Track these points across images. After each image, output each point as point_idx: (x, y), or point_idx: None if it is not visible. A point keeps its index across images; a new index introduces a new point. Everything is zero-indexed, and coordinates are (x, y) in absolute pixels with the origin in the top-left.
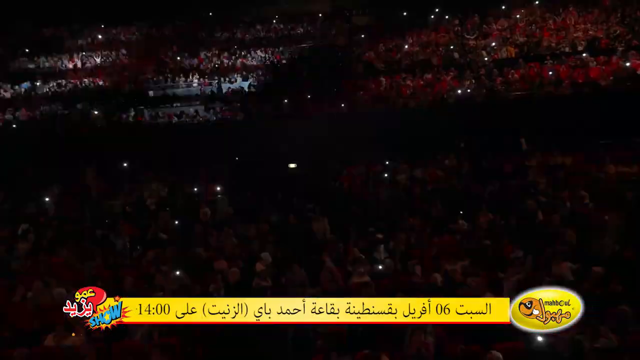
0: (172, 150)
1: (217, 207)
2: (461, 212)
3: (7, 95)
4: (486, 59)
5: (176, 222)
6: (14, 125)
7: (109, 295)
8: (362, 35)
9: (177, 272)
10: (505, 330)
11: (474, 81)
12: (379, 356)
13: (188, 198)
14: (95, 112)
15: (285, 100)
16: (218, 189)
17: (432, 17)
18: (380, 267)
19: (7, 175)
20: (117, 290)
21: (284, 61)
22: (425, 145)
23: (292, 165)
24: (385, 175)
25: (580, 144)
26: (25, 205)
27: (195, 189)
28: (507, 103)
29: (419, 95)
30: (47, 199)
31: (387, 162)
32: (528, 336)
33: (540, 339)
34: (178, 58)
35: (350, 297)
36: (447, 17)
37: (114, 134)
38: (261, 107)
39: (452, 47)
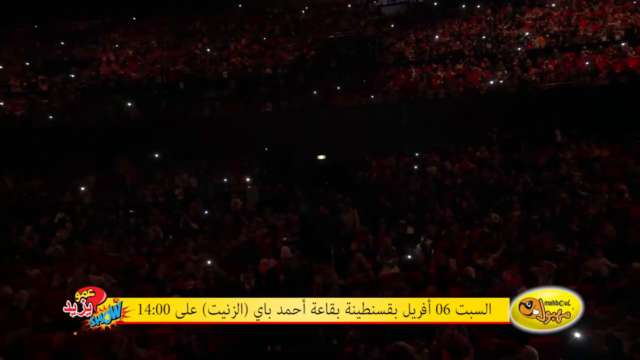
0: (202, 140)
1: (247, 197)
2: (493, 205)
3: (44, 86)
4: (519, 49)
5: (206, 212)
6: (50, 117)
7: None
8: (392, 25)
9: (209, 262)
10: None
11: (506, 72)
12: (408, 349)
13: (218, 188)
14: (128, 104)
15: (315, 92)
16: (248, 179)
17: (464, 6)
18: (410, 258)
19: (44, 165)
20: (151, 277)
21: (312, 52)
22: (456, 136)
23: (321, 157)
24: (415, 166)
25: (618, 136)
26: (61, 194)
27: (225, 179)
28: (540, 94)
29: (450, 86)
30: (82, 188)
31: (417, 154)
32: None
33: (577, 334)
34: (208, 50)
35: (381, 288)
36: (478, 6)
37: (146, 125)
38: (290, 98)
39: (484, 37)
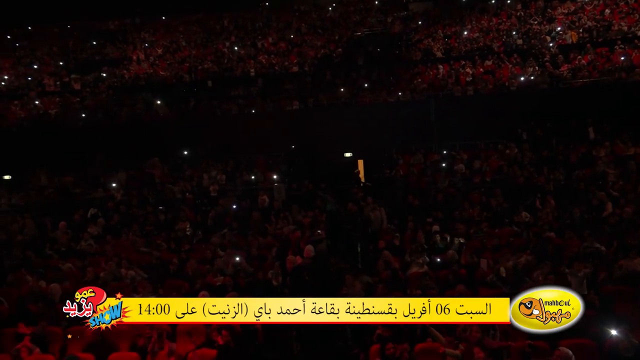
0: (230, 138)
1: (274, 194)
2: (524, 204)
3: (77, 85)
4: (551, 44)
5: (234, 208)
6: (83, 115)
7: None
8: (420, 22)
9: (237, 258)
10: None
11: (537, 68)
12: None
13: (246, 185)
14: (158, 102)
15: (341, 89)
16: (275, 176)
17: (493, 1)
18: (438, 259)
19: (77, 162)
20: (181, 273)
21: (339, 49)
22: (485, 134)
23: (347, 154)
24: (443, 164)
25: None
26: (94, 190)
27: (253, 177)
28: (573, 90)
29: (479, 83)
30: (113, 185)
31: (444, 152)
32: (598, 333)
33: (614, 332)
34: (235, 48)
35: (409, 287)
36: (508, 1)
37: (175, 123)
38: (317, 96)
39: (514, 32)
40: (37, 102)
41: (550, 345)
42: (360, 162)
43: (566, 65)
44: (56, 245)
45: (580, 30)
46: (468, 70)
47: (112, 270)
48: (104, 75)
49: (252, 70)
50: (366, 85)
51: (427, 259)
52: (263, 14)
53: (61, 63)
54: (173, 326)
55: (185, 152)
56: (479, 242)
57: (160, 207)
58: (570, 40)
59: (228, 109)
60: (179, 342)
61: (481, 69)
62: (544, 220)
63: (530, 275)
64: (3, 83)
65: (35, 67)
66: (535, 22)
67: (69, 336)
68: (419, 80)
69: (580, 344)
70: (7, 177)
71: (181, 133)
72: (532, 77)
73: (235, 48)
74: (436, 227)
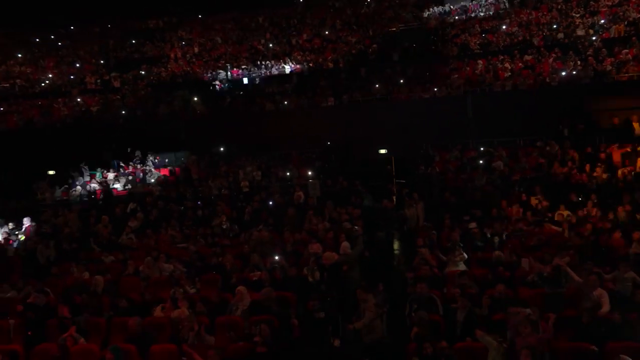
0: (265, 134)
1: (309, 190)
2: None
3: (116, 83)
4: (594, 38)
5: (270, 204)
6: (123, 112)
7: None
8: (456, 17)
9: (277, 257)
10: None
11: (579, 62)
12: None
13: (281, 181)
14: (194, 99)
15: (376, 85)
16: (309, 173)
17: None
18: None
19: (117, 157)
20: (218, 268)
21: (374, 45)
22: (524, 130)
23: (382, 151)
24: (481, 161)
25: None
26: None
27: (288, 173)
28: (617, 85)
29: (518, 78)
30: (152, 180)
31: (482, 148)
32: None
33: None
34: (270, 45)
35: (446, 285)
36: None
37: (211, 119)
38: (352, 92)
39: (555, 26)
40: (79, 100)
41: (597, 347)
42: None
43: (610, 59)
44: (99, 239)
45: (625, 22)
46: (507, 65)
47: (152, 264)
48: (143, 73)
49: (287, 67)
50: (401, 81)
51: (465, 256)
52: (297, 11)
53: (102, 61)
54: (212, 320)
55: (221, 149)
56: (518, 241)
57: (198, 202)
58: (615, 34)
59: (263, 106)
60: (217, 336)
61: (520, 64)
62: (587, 219)
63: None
64: (47, 82)
65: (78, 65)
66: (578, 15)
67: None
68: (456, 75)
69: (628, 346)
70: (51, 172)
71: (217, 129)
72: (574, 72)
73: (270, 45)
74: (474, 225)
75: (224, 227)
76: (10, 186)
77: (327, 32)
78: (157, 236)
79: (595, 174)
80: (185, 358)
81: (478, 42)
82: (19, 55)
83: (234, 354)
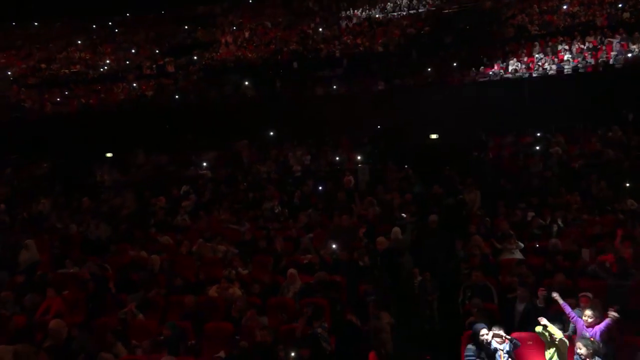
0: (314, 119)
1: (358, 175)
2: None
3: (170, 68)
4: None
5: (320, 189)
6: (177, 96)
7: None
8: None
9: (334, 246)
10: None
11: None
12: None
13: (330, 166)
14: (245, 83)
15: (429, 69)
16: (359, 157)
17: None
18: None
19: (171, 141)
20: (269, 250)
21: (426, 28)
22: (584, 115)
23: (433, 136)
24: (537, 147)
25: None
26: (186, 168)
27: (337, 158)
28: None
29: (579, 61)
30: (204, 163)
31: (538, 134)
32: None
33: None
34: (320, 29)
35: (500, 273)
36: None
37: (262, 104)
38: (403, 76)
39: (620, 5)
40: (135, 85)
41: None
42: None
43: None
44: (154, 219)
45: None
46: (567, 47)
47: (203, 244)
48: (195, 58)
49: (337, 51)
50: (455, 64)
51: (522, 245)
52: None
53: (156, 47)
54: (263, 301)
55: (272, 133)
56: (578, 231)
57: (244, 184)
58: None
59: (313, 90)
60: (269, 317)
61: (582, 46)
62: None
63: (638, 267)
64: (105, 67)
65: (133, 51)
66: None
67: None
68: (512, 58)
69: None
70: (109, 154)
71: (267, 114)
72: None
73: (320, 29)
74: (531, 213)
75: (276, 211)
76: (72, 168)
77: (377, 16)
78: (210, 218)
79: None
80: (240, 337)
81: (536, 23)
82: (79, 42)
83: (285, 334)
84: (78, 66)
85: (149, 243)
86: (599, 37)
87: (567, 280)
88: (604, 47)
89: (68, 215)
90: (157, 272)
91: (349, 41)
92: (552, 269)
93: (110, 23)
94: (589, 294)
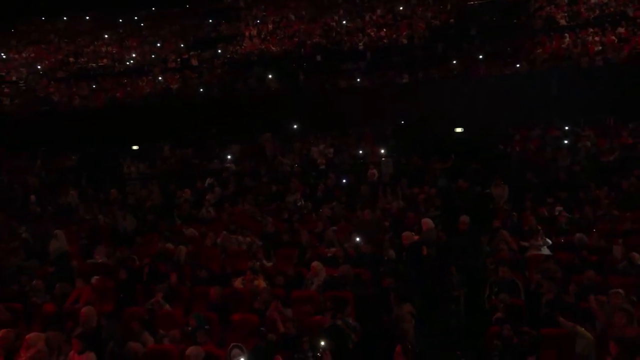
0: (338, 112)
1: (382, 168)
2: None
3: (195, 61)
4: None
5: (343, 182)
6: (201, 90)
7: None
8: None
9: (357, 239)
10: None
11: None
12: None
13: (353, 159)
14: (269, 76)
15: (454, 61)
16: (382, 151)
17: None
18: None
19: (195, 134)
20: (293, 243)
21: (451, 20)
22: (615, 109)
23: (458, 129)
24: (565, 141)
25: None
26: (210, 161)
27: (360, 151)
28: None
29: (610, 52)
30: (228, 156)
31: (566, 127)
32: None
33: None
34: (344, 22)
35: (528, 268)
36: None
37: (286, 97)
38: (427, 69)
39: None
40: (160, 78)
41: None
42: None
43: None
44: (179, 211)
45: None
46: (597, 38)
47: (227, 237)
48: (219, 51)
49: (361, 43)
50: (480, 57)
51: (549, 241)
52: None
53: (181, 42)
54: (288, 292)
55: (295, 126)
56: (608, 226)
57: (267, 177)
58: None
59: (337, 83)
60: (293, 309)
61: (613, 37)
62: None
63: None
64: (132, 61)
65: (159, 45)
66: None
67: None
68: (540, 50)
69: None
70: (135, 147)
71: (291, 107)
72: None
73: (344, 22)
74: (559, 208)
75: (299, 204)
76: (99, 160)
77: (401, 8)
78: (234, 210)
79: None
80: (265, 328)
81: (565, 14)
82: (106, 36)
83: (309, 326)
84: (105, 60)
85: (175, 235)
86: (630, 28)
87: (598, 277)
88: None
89: (96, 206)
90: (183, 263)
91: (372, 34)
92: (581, 265)
93: (136, 17)
94: (621, 291)
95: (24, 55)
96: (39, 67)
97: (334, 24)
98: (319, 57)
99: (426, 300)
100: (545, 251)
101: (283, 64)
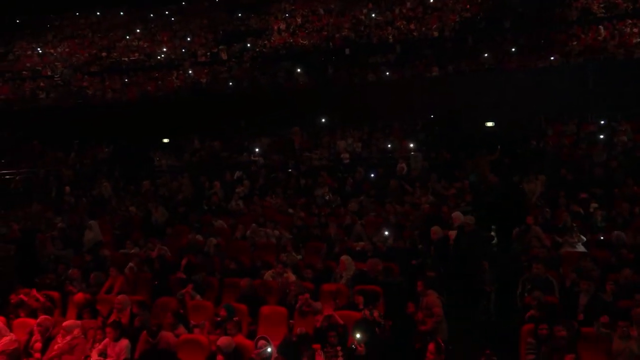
0: (367, 105)
1: (411, 163)
2: None
3: (224, 55)
4: None
5: (372, 176)
6: (230, 83)
7: None
8: None
9: (386, 233)
10: None
11: None
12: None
13: (382, 153)
14: (298, 70)
15: (485, 54)
16: (411, 145)
17: None
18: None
19: (223, 127)
20: (322, 236)
21: (483, 12)
22: None
23: (489, 124)
24: (601, 136)
25: None
26: (239, 154)
27: (389, 145)
28: None
29: None
30: (257, 150)
31: (602, 122)
32: None
33: None
34: (373, 15)
35: (561, 265)
36: None
37: (314, 90)
38: (458, 62)
39: None
40: (190, 72)
41: None
42: None
43: None
44: (210, 203)
45: None
46: (635, 30)
47: (256, 229)
48: (248, 45)
49: (390, 36)
50: (513, 49)
51: (584, 238)
52: None
53: (210, 36)
54: (317, 286)
55: (323, 120)
56: None
57: (289, 170)
58: None
59: (365, 77)
60: (322, 302)
61: None
62: None
63: None
64: (162, 55)
65: (189, 39)
66: None
67: None
68: (575, 42)
69: None
70: (165, 140)
71: (319, 100)
72: None
73: (373, 15)
74: (595, 205)
75: (327, 198)
76: (131, 153)
77: (431, 0)
78: (263, 203)
79: None
80: (294, 321)
81: (602, 4)
82: (137, 31)
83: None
84: (137, 54)
85: (204, 227)
86: None
87: (636, 275)
88: None
89: (128, 198)
90: (213, 255)
91: (402, 26)
92: (617, 263)
93: (166, 12)
94: None
95: (59, 50)
96: (73, 61)
97: (362, 17)
98: (347, 51)
99: (456, 295)
100: (580, 248)
101: (311, 58)
